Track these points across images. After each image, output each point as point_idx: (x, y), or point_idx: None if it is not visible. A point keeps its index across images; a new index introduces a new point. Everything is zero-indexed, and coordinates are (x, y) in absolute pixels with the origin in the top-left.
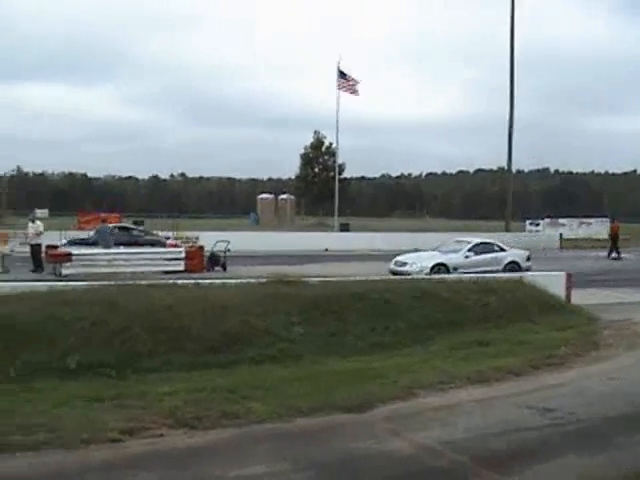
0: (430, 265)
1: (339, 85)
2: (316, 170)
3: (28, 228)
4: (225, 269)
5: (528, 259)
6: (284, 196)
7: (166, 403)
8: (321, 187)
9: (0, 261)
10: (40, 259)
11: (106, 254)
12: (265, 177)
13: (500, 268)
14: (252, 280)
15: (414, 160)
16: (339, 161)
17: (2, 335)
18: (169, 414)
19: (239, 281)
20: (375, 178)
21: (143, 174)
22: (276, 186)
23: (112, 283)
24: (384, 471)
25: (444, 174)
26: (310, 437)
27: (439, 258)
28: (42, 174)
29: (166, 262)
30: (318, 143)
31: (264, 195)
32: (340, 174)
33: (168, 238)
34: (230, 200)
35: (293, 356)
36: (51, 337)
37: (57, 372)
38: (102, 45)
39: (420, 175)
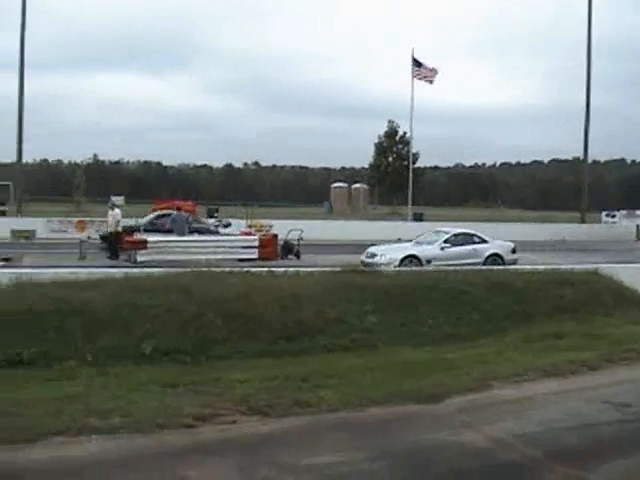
0: (400, 257)
1: (414, 74)
2: (390, 159)
3: (108, 216)
4: (298, 257)
5: (514, 251)
6: (357, 185)
7: (239, 390)
8: (395, 176)
9: (78, 248)
10: (116, 246)
11: (181, 241)
12: (338, 166)
13: (481, 261)
14: (326, 269)
15: (488, 149)
16: (413, 150)
17: (79, 321)
18: (242, 401)
19: (312, 270)
20: (449, 168)
21: (217, 163)
22: (349, 175)
23: (187, 270)
24: (457, 463)
25: (518, 164)
26: (383, 427)
27: (410, 250)
28: (118, 162)
29: (240, 250)
30: (392, 132)
31: (337, 184)
32: (414, 163)
33: (227, 225)
34: (303, 189)
35: (366, 345)
36: (127, 323)
37: (132, 357)
38: (180, 35)
39: (494, 165)
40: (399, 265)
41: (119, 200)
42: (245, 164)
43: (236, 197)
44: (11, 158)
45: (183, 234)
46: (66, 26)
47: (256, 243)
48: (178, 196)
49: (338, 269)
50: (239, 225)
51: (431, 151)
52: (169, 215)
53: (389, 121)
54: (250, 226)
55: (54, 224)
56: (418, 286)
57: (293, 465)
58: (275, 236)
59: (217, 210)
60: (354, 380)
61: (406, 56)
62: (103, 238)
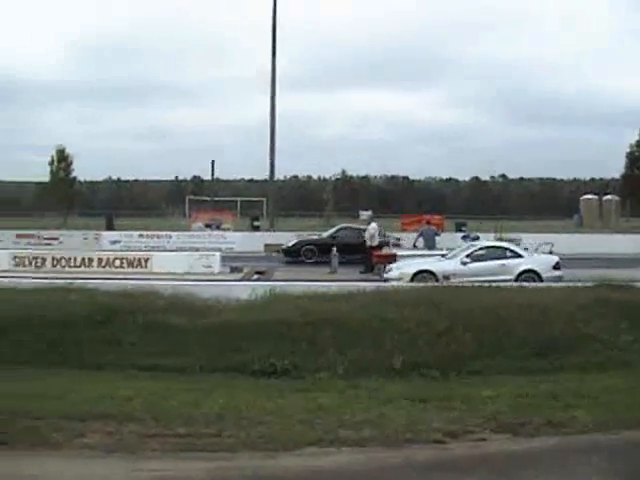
0: (412, 272)
1: None
2: None
3: (366, 231)
4: None
5: (556, 267)
6: (609, 197)
7: (489, 407)
8: None
9: (330, 262)
10: (371, 260)
11: (430, 255)
12: (587, 177)
13: (512, 278)
14: (577, 284)
15: None
16: None
17: (331, 333)
18: (492, 418)
19: (563, 284)
20: None
21: (463, 176)
22: (599, 186)
23: (436, 284)
24: None
25: None
26: (637, 452)
27: (426, 264)
28: (365, 177)
29: None
30: None
31: (587, 196)
32: None
33: (475, 239)
34: (550, 201)
35: (620, 365)
36: (377, 336)
37: (382, 371)
38: (430, 51)
39: None
40: (411, 280)
41: (368, 214)
42: (492, 177)
43: (483, 210)
44: (265, 175)
45: (433, 247)
46: (318, 47)
47: None
48: (424, 210)
49: (590, 284)
50: (487, 239)
51: None
52: (349, 228)
53: None
54: (499, 239)
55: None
56: None
57: None
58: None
59: (464, 224)
60: (608, 401)
61: None
62: (286, 252)
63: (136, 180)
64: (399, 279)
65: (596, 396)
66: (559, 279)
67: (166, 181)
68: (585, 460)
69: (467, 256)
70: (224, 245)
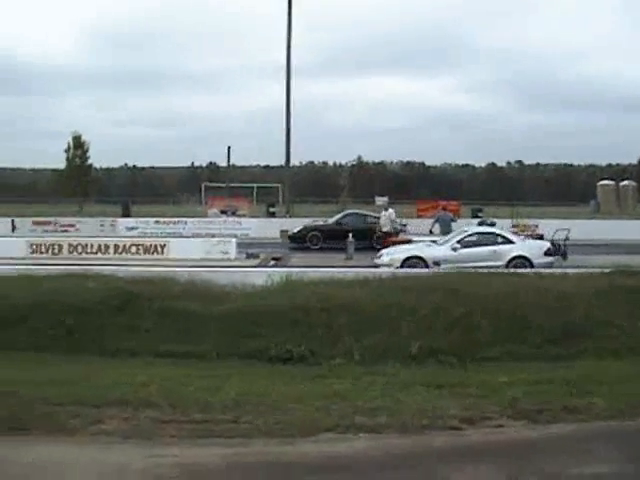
0: (402, 257)
1: None
2: None
3: (381, 216)
4: (565, 258)
5: (548, 253)
6: (625, 182)
7: (506, 393)
8: None
9: (346, 248)
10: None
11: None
12: (604, 163)
13: (502, 264)
14: (594, 270)
15: None
16: None
17: (347, 319)
18: (509, 405)
19: (580, 271)
20: None
21: (479, 162)
22: (616, 172)
23: (453, 271)
24: None
25: None
26: None
27: (415, 250)
28: (381, 163)
29: None
30: None
31: (604, 182)
32: None
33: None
34: (567, 187)
35: (637, 351)
36: (393, 322)
37: (398, 357)
38: (446, 37)
39: None
40: (401, 266)
41: (383, 200)
42: (508, 163)
43: (499, 196)
44: (281, 161)
45: (449, 233)
46: (334, 34)
47: None
48: (440, 196)
49: (607, 270)
50: (504, 225)
51: None
52: (352, 214)
53: None
54: (515, 226)
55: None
56: None
57: (561, 474)
58: (541, 236)
59: (481, 210)
60: (625, 387)
61: None
62: (292, 238)
63: (152, 167)
64: (389, 265)
65: (612, 383)
66: (550, 265)
67: (182, 168)
68: (602, 447)
69: (458, 242)
70: (240, 231)
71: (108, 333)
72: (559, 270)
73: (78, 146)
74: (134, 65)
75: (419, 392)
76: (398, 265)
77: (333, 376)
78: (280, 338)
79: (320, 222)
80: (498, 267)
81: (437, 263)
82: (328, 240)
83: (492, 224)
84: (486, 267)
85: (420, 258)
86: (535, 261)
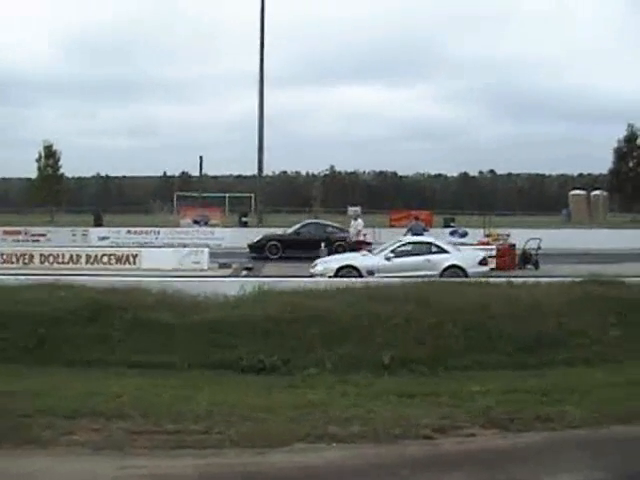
0: (335, 267)
1: None
2: (630, 165)
3: (350, 226)
4: (537, 267)
5: (483, 263)
6: (597, 192)
7: (478, 402)
8: (636, 182)
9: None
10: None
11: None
12: (575, 173)
13: (437, 273)
14: (565, 279)
15: None
16: None
17: (319, 329)
18: (481, 414)
19: (552, 280)
20: None
21: (452, 171)
22: (587, 182)
23: (424, 280)
24: None
25: None
26: (628, 446)
27: (348, 260)
28: (354, 173)
29: None
30: (632, 136)
31: (575, 191)
32: None
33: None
34: (539, 196)
35: (609, 360)
36: (366, 332)
37: (371, 366)
38: (418, 47)
39: None
40: (335, 276)
41: (356, 210)
42: (480, 172)
43: (471, 206)
44: (254, 171)
45: None
46: (307, 44)
47: (493, 253)
48: (413, 206)
49: (578, 279)
50: (476, 234)
51: None
52: (312, 224)
53: (628, 125)
54: (487, 235)
55: None
56: None
57: None
58: (513, 246)
59: (453, 219)
60: (597, 396)
61: None
62: (251, 248)
63: (124, 176)
64: (322, 274)
65: (584, 391)
66: (485, 275)
67: (154, 177)
68: (574, 455)
69: (391, 252)
70: (212, 241)
71: (80, 344)
72: (531, 279)
73: (49, 155)
74: (106, 74)
75: (392, 401)
76: (331, 274)
77: (306, 386)
78: (252, 348)
79: (279, 232)
80: (433, 277)
81: (371, 272)
82: (287, 250)
83: (464, 234)
84: (420, 277)
85: (354, 267)
86: (470, 270)
